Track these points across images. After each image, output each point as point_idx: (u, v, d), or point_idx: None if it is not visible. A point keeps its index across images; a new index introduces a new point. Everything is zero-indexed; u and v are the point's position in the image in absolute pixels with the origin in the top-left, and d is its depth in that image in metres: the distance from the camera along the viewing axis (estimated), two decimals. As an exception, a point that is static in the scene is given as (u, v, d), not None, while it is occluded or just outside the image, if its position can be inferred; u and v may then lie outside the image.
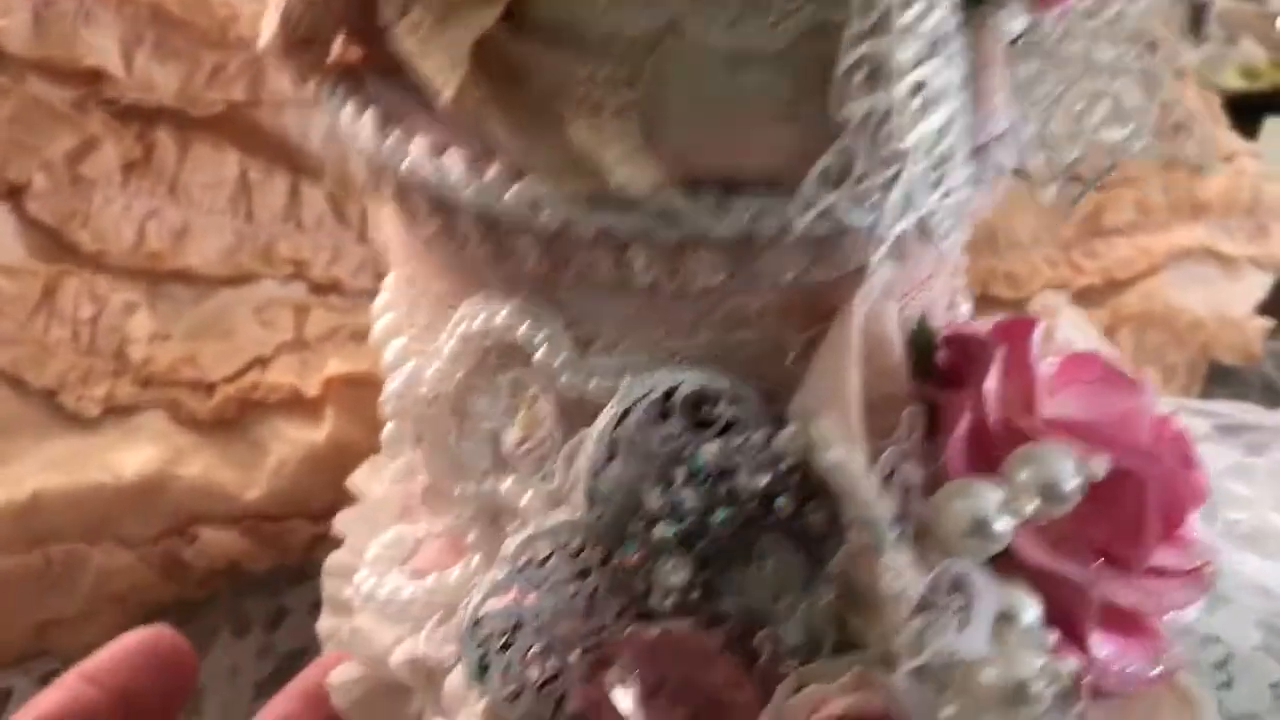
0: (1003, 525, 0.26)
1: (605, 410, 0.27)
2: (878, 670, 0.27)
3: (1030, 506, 0.26)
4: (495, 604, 0.27)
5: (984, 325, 0.31)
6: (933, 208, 0.24)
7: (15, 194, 0.44)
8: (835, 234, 0.27)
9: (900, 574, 0.25)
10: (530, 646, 0.28)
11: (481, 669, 0.27)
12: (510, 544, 0.27)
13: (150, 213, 0.46)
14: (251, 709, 0.42)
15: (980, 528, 0.26)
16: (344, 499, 0.44)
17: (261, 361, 0.44)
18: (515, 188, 0.26)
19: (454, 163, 0.27)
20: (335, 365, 0.45)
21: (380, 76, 0.30)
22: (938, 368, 0.30)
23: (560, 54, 0.26)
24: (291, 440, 0.43)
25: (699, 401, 0.28)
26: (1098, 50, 0.26)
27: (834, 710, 0.26)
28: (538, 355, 0.28)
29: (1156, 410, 0.30)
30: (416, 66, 0.26)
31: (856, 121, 0.23)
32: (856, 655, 0.27)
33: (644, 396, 0.27)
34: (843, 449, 0.26)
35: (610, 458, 0.27)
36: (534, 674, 0.28)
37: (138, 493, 0.40)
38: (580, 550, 0.28)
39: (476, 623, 0.27)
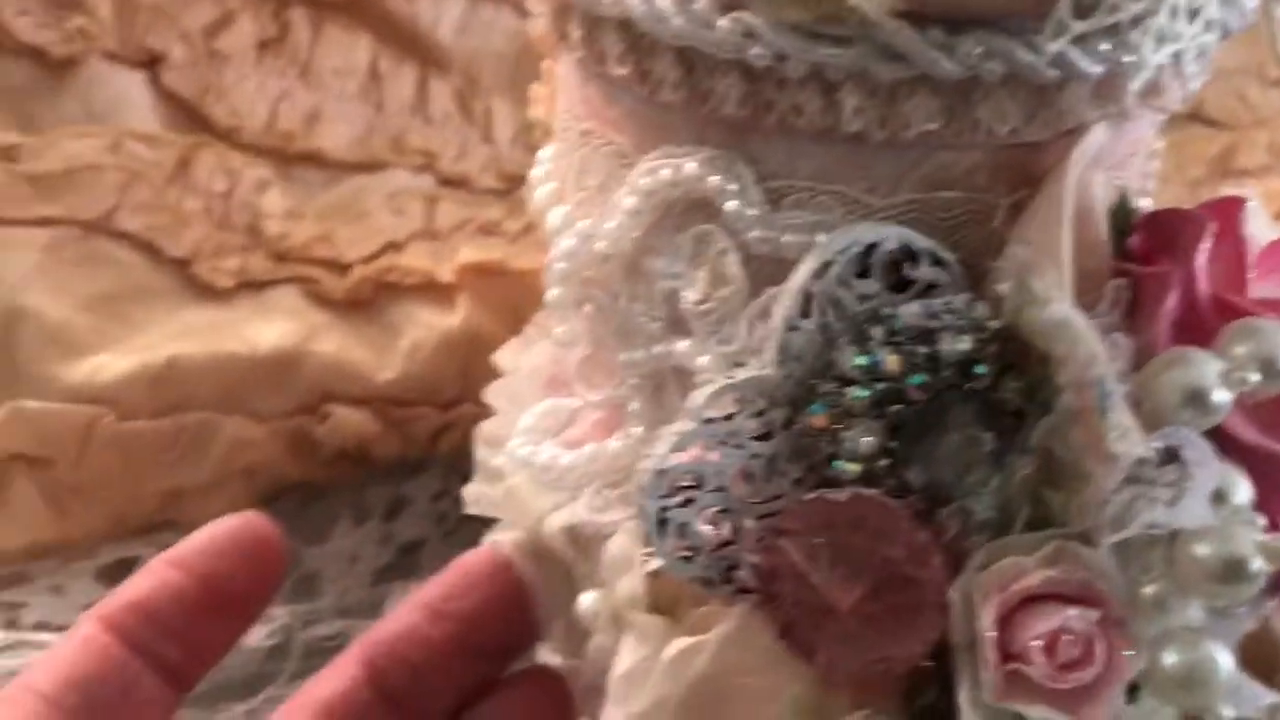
0: (1221, 397, 0.25)
1: (803, 264, 0.26)
2: (1075, 546, 0.25)
3: (1252, 378, 0.25)
4: (680, 458, 0.26)
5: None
6: (1185, 44, 0.23)
7: (154, 64, 0.43)
8: (1058, 85, 0.25)
9: (1126, 434, 0.23)
10: (709, 505, 0.27)
11: (660, 524, 0.26)
12: (698, 396, 0.26)
13: (283, 93, 0.45)
14: (368, 596, 0.42)
15: (1197, 398, 0.25)
16: (472, 390, 0.43)
17: (395, 246, 0.43)
18: (727, 18, 0.25)
19: (662, -6, 0.26)
20: (468, 254, 0.44)
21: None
22: (1132, 251, 0.29)
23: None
24: (426, 324, 0.42)
25: (898, 261, 0.27)
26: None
27: (1030, 583, 0.25)
28: (728, 207, 0.27)
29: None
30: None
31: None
32: (1053, 531, 0.26)
33: (845, 250, 0.26)
34: (1066, 305, 0.24)
35: (804, 314, 0.26)
36: (709, 535, 0.27)
37: (273, 365, 0.39)
38: (764, 410, 0.27)
39: (661, 473, 0.26)
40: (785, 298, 0.26)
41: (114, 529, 0.39)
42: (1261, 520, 0.25)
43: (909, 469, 0.26)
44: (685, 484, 0.26)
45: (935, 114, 0.25)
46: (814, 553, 0.26)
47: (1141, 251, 0.29)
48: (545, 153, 0.34)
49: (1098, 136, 0.26)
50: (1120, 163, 0.29)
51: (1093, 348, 0.24)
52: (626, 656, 0.28)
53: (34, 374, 0.37)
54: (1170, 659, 0.25)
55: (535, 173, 0.34)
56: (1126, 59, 0.23)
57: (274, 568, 0.31)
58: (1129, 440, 0.23)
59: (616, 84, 0.28)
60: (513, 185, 0.48)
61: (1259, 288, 0.29)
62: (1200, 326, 0.27)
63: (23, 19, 0.40)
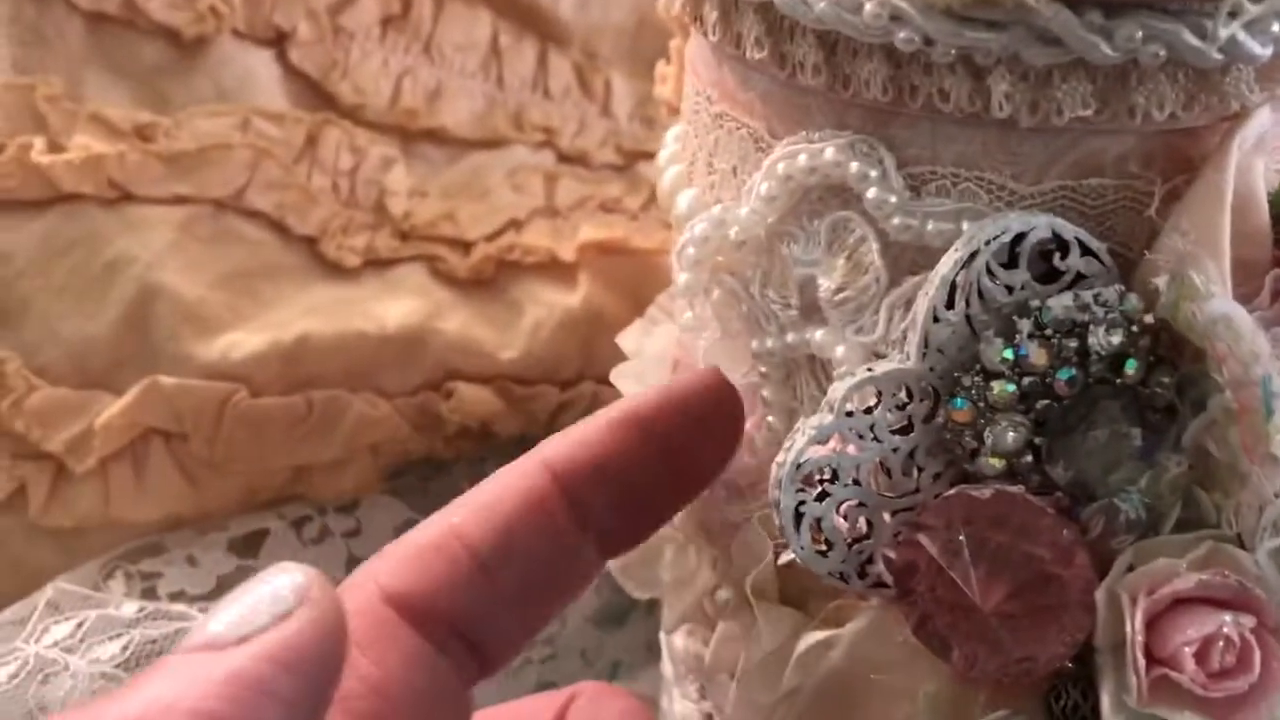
0: None
1: (949, 253, 0.25)
2: (1230, 549, 0.25)
3: None
4: (817, 451, 0.26)
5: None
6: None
7: (280, 41, 0.43)
8: (1221, 69, 0.24)
9: None
10: (846, 500, 0.26)
11: (796, 518, 0.26)
12: (838, 388, 0.26)
13: (406, 70, 0.45)
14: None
15: None
16: (592, 368, 0.43)
17: (516, 224, 0.44)
18: (873, 2, 0.24)
19: (802, -25, 0.26)
20: (588, 232, 0.44)
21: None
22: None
23: None
24: (548, 303, 0.42)
25: (1047, 251, 0.26)
26: None
27: (1182, 586, 0.24)
28: (869, 194, 0.27)
29: None
30: None
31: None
32: (1206, 532, 0.25)
33: (993, 240, 0.25)
34: (1226, 300, 0.23)
35: (949, 305, 0.26)
36: (845, 530, 0.26)
37: (400, 343, 0.40)
38: (905, 404, 0.26)
39: (798, 466, 0.25)
40: (930, 287, 0.25)
41: (245, 502, 0.40)
42: None
43: (1054, 465, 0.26)
44: (822, 477, 0.26)
45: (1089, 99, 0.24)
46: (954, 549, 0.25)
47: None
48: (673, 133, 0.34)
49: (1261, 120, 0.25)
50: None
51: (1256, 345, 0.23)
52: (758, 647, 0.28)
53: (170, 351, 0.38)
54: None
55: (663, 154, 0.34)
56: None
57: (732, 436, 0.28)
58: (1293, 444, 0.22)
59: (753, 67, 0.28)
60: (631, 161, 0.48)
61: None
62: (1366, 321, 0.26)
63: (157, 0, 0.41)
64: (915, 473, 0.26)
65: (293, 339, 0.39)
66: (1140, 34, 0.23)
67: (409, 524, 0.42)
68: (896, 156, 0.27)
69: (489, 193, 0.44)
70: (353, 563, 0.40)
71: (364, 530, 0.41)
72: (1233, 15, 0.22)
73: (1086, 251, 0.26)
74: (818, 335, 0.28)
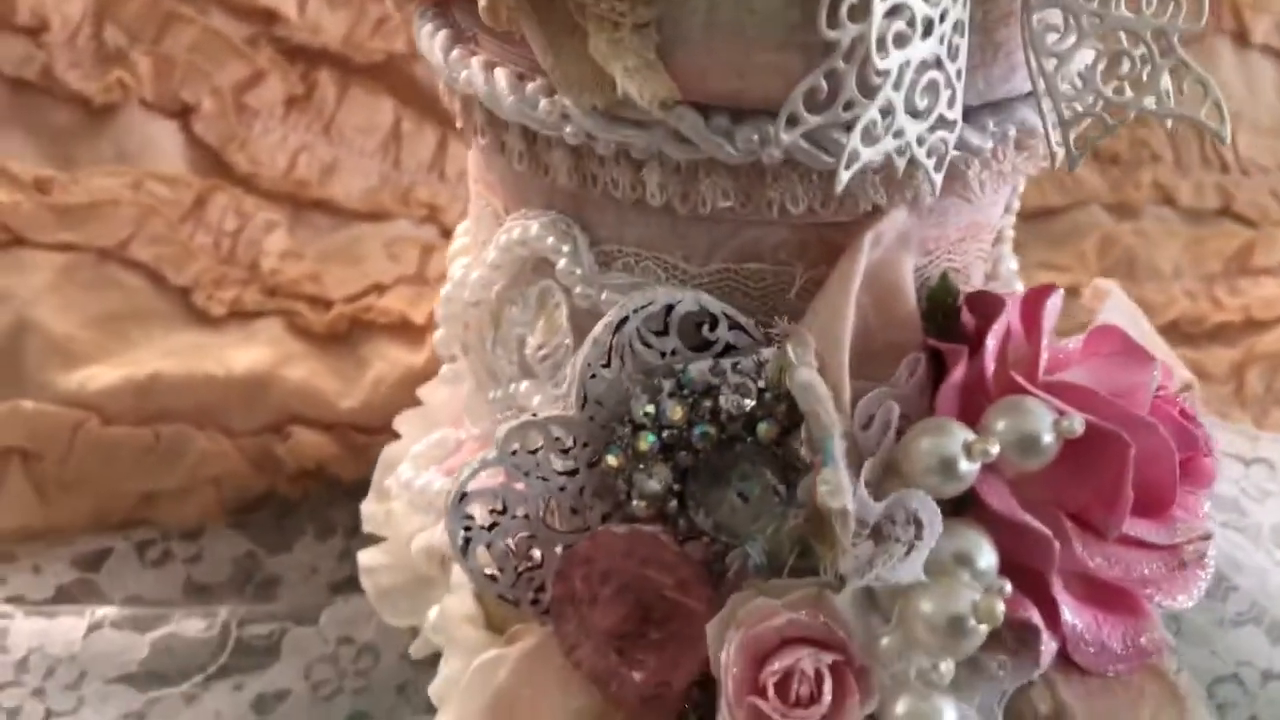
0: (967, 466, 0.27)
1: (604, 318, 0.29)
2: (828, 593, 0.27)
3: (993, 450, 0.27)
4: (480, 482, 0.29)
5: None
6: (918, 138, 0.25)
7: (185, 114, 0.48)
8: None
9: (836, 490, 0.25)
10: (517, 531, 0.29)
11: (464, 543, 0.29)
12: (503, 429, 0.29)
13: (304, 146, 0.50)
14: (316, 604, 0.45)
15: (946, 466, 0.27)
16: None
17: (380, 288, 0.48)
18: (545, 101, 0.28)
19: (501, 78, 0.30)
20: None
21: (463, 3, 0.32)
22: (963, 329, 0.31)
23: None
24: (393, 360, 0.46)
25: (701, 324, 0.29)
26: (1115, 6, 0.26)
27: (776, 623, 0.27)
28: (560, 265, 0.30)
29: (1170, 391, 0.30)
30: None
31: (844, 46, 0.24)
32: (813, 578, 0.28)
33: (642, 309, 0.29)
34: (811, 370, 0.26)
35: (606, 364, 0.29)
36: (515, 560, 0.30)
37: (245, 386, 0.44)
38: (569, 449, 0.29)
39: (462, 497, 0.29)
40: (586, 347, 0.29)
41: (96, 521, 0.44)
42: (1007, 585, 0.27)
43: (696, 512, 0.29)
44: (494, 508, 0.29)
45: (731, 193, 0.28)
46: (589, 579, 0.29)
47: (971, 329, 0.31)
48: (462, 227, 0.38)
49: (897, 221, 0.29)
50: (954, 246, 0.31)
51: (825, 411, 0.26)
52: (445, 666, 0.31)
53: (35, 379, 0.43)
54: (900, 708, 0.26)
55: (459, 227, 0.38)
56: (865, 136, 0.25)
57: None
58: (837, 496, 0.25)
59: (486, 153, 0.32)
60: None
61: (1075, 369, 0.30)
62: (981, 403, 0.28)
63: (72, 71, 0.46)
64: (585, 511, 0.29)
65: (145, 375, 0.43)
66: (756, 137, 0.27)
67: (249, 556, 0.46)
68: (590, 235, 0.30)
69: (363, 259, 0.49)
70: (190, 587, 0.44)
71: (204, 557, 0.44)
72: (795, 124, 0.25)
73: (734, 325, 0.29)
74: (524, 387, 0.32)
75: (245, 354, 0.44)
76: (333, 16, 0.50)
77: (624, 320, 0.29)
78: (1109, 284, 0.33)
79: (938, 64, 0.25)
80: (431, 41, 0.32)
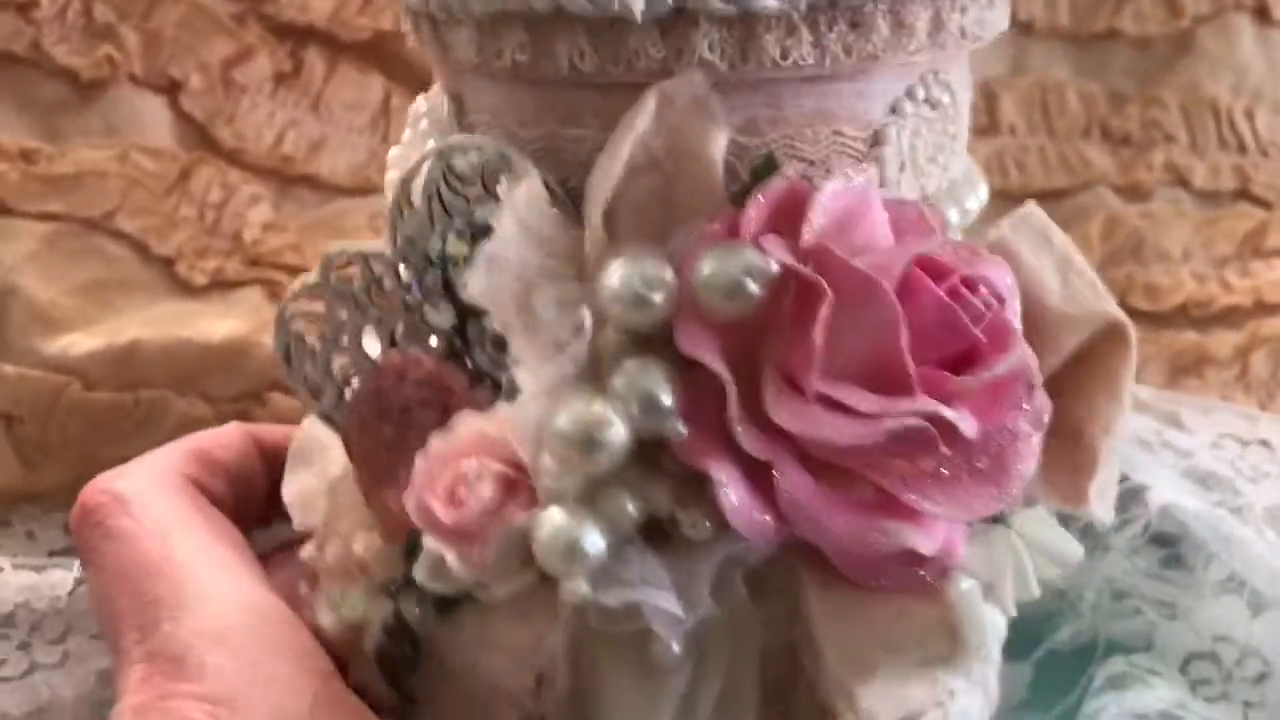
0: (660, 296, 0.27)
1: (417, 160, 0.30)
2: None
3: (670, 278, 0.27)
4: (302, 305, 0.31)
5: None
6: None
7: (173, 89, 0.49)
8: (616, 25, 0.28)
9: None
10: (340, 358, 0.31)
11: (287, 358, 0.31)
12: (325, 254, 0.31)
13: (291, 122, 0.50)
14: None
15: (638, 301, 0.27)
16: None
17: (361, 259, 0.48)
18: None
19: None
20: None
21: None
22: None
23: None
24: (369, 329, 0.46)
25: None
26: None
27: (464, 432, 0.29)
28: (433, 139, 0.32)
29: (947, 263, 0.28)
30: None
31: None
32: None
33: (446, 151, 0.30)
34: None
35: (413, 204, 0.30)
36: (337, 385, 0.31)
37: (224, 353, 0.45)
38: (382, 280, 0.31)
39: (290, 318, 0.31)
40: (393, 188, 0.30)
41: (76, 485, 0.44)
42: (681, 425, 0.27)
43: (475, 349, 0.30)
44: (323, 335, 0.31)
45: (524, 47, 0.29)
46: (371, 404, 0.30)
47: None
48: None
49: (690, 83, 0.28)
50: (799, 133, 0.30)
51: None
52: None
53: (18, 344, 0.44)
54: (545, 527, 0.27)
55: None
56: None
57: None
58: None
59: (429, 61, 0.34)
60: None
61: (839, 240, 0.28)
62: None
63: (61, 45, 0.47)
64: (403, 343, 0.31)
65: (127, 342, 0.44)
66: None
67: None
68: (456, 106, 0.32)
69: (346, 232, 0.49)
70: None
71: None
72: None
73: (523, 175, 0.29)
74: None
75: (225, 322, 0.45)
76: (321, -8, 0.51)
77: (422, 163, 0.30)
78: (1030, 207, 0.32)
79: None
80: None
